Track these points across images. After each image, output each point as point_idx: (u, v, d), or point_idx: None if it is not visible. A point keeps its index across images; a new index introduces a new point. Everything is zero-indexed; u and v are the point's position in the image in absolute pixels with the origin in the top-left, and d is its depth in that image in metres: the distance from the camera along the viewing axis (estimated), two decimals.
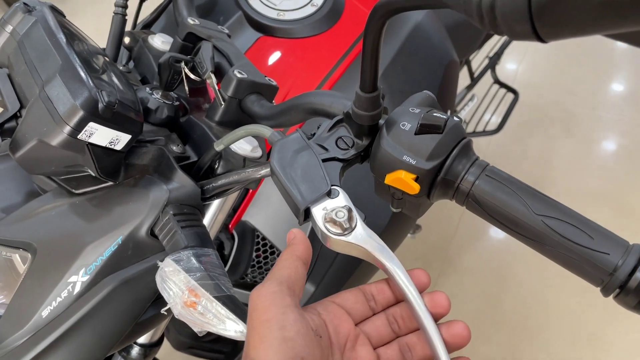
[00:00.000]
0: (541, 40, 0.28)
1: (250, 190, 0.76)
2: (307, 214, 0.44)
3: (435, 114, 0.44)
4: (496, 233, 1.89)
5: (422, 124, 0.43)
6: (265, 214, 0.77)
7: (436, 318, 0.43)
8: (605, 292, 0.40)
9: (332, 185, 0.44)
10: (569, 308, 1.67)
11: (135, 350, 0.70)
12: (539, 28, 0.27)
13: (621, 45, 2.79)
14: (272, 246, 0.80)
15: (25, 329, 0.52)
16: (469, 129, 1.72)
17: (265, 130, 0.49)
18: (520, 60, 2.70)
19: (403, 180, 0.43)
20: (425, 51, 0.87)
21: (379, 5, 0.37)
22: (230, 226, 0.77)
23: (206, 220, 0.61)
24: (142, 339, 0.70)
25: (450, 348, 0.42)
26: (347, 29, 0.82)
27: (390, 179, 0.44)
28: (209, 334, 0.87)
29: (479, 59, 1.79)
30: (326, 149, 0.46)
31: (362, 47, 0.40)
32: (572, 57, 2.73)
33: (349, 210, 0.42)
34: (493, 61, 1.73)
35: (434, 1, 0.33)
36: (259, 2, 0.81)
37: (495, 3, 0.28)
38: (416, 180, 0.43)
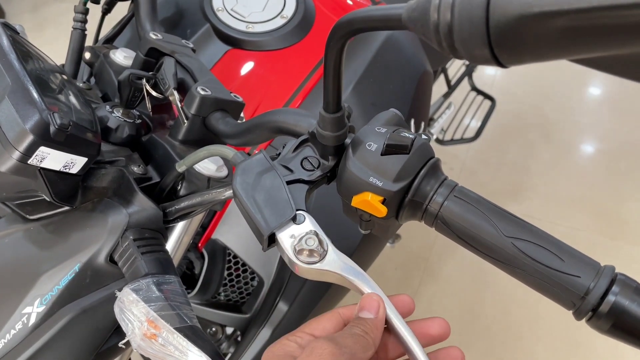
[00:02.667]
0: (501, 65, 0.27)
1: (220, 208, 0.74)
2: (271, 240, 0.42)
3: (401, 134, 0.42)
4: None
5: (388, 144, 0.41)
6: (236, 231, 0.75)
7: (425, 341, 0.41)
8: (578, 315, 0.38)
9: (297, 210, 0.42)
10: (549, 315, 1.67)
11: None
12: (498, 53, 0.26)
13: None
14: (244, 264, 0.77)
15: None
16: (447, 137, 1.72)
17: (227, 151, 0.47)
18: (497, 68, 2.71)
19: (370, 203, 0.41)
20: (398, 63, 0.86)
21: (337, 26, 0.35)
22: (199, 245, 0.75)
23: (170, 244, 0.58)
24: None
25: None
26: (318, 41, 0.80)
27: (356, 201, 0.42)
28: None
29: (455, 67, 1.79)
30: (291, 170, 0.45)
31: (324, 68, 0.38)
32: (549, 63, 2.74)
33: (317, 235, 0.41)
34: (470, 69, 1.73)
35: (393, 23, 0.31)
36: (227, 14, 0.79)
37: (453, 28, 0.26)
38: (383, 202, 0.42)
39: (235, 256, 0.77)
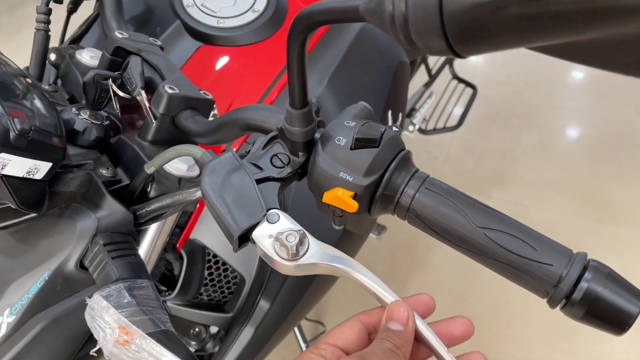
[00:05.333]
0: (458, 56, 0.26)
1: (196, 209, 0.73)
2: (242, 240, 0.41)
3: (371, 127, 0.41)
4: None
5: (357, 138, 0.41)
6: (215, 230, 0.74)
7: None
8: (552, 304, 0.38)
9: (270, 209, 0.41)
10: (538, 301, 1.68)
11: None
12: (454, 44, 0.25)
13: None
14: (224, 263, 0.77)
15: None
16: (430, 126, 1.71)
17: (195, 151, 0.46)
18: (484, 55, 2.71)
19: (341, 199, 0.41)
20: (373, 54, 0.85)
21: (297, 20, 0.34)
22: (177, 246, 0.74)
23: (144, 247, 0.57)
24: None
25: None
26: None
27: (327, 197, 0.42)
28: None
29: (436, 56, 1.79)
30: (261, 168, 0.44)
31: (287, 64, 0.37)
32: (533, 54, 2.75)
33: (298, 231, 0.40)
34: (449, 58, 1.72)
35: (352, 15, 0.31)
36: (198, 10, 0.77)
37: (408, 18, 0.26)
38: (354, 197, 0.41)
39: (215, 255, 0.76)
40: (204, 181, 0.42)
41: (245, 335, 0.75)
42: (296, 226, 0.40)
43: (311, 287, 0.78)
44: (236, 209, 0.41)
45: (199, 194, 0.49)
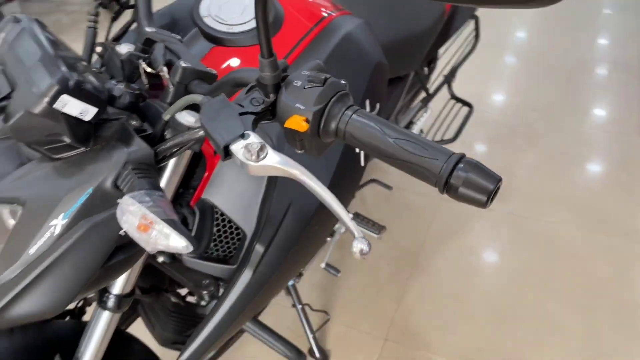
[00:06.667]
0: None
1: (207, 173, 0.90)
2: (227, 153, 0.58)
3: (318, 74, 0.59)
4: (464, 239, 2.03)
5: (309, 80, 0.58)
6: (222, 191, 0.91)
7: None
8: (439, 189, 0.54)
9: (245, 131, 0.59)
10: (531, 302, 1.79)
11: (111, 300, 0.83)
12: None
13: (579, 66, 2.99)
14: (230, 221, 0.93)
15: (17, 264, 0.65)
16: (428, 138, 1.88)
17: (198, 97, 0.64)
18: (485, 83, 2.90)
19: (296, 122, 0.58)
20: (354, 56, 1.03)
21: None
22: (191, 203, 0.91)
23: (163, 180, 0.75)
24: (115, 290, 0.83)
25: None
26: (287, 37, 0.98)
27: (288, 122, 0.59)
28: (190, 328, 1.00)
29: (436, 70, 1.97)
30: (243, 107, 0.61)
31: (256, 23, 0.56)
32: (535, 78, 2.92)
33: (260, 143, 0.57)
34: (448, 79, 1.90)
35: None
36: (211, 19, 0.97)
37: None
38: (306, 121, 0.58)
39: (222, 214, 0.93)
40: (202, 114, 0.60)
41: (244, 278, 0.91)
42: (259, 140, 0.57)
43: (303, 236, 0.93)
44: (223, 131, 0.58)
45: (201, 133, 0.66)
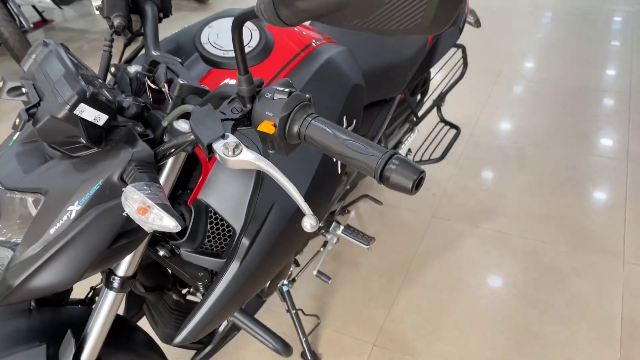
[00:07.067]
0: (286, 25, 0.57)
1: (202, 176, 1.05)
2: (210, 150, 0.72)
3: (284, 89, 0.73)
4: (452, 254, 2.14)
5: (277, 92, 0.73)
6: (215, 193, 1.05)
7: None
8: (376, 179, 0.67)
9: (225, 133, 0.73)
10: (512, 312, 1.89)
11: (116, 282, 0.97)
12: (281, 17, 0.57)
13: (569, 94, 3.12)
14: (222, 219, 1.07)
15: (38, 242, 0.80)
16: (416, 158, 2.01)
17: (189, 107, 0.79)
18: (480, 109, 3.03)
19: (266, 126, 0.72)
20: (334, 78, 1.17)
21: (234, 21, 0.67)
22: (188, 202, 1.05)
23: (163, 177, 0.89)
24: (120, 272, 0.97)
25: None
26: (277, 59, 1.13)
27: (260, 127, 0.73)
28: None
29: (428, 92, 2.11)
30: (224, 114, 0.76)
31: (233, 46, 0.70)
32: (528, 105, 3.06)
33: (235, 142, 0.71)
34: (437, 103, 2.04)
35: (251, 15, 0.63)
36: (210, 45, 1.12)
37: (261, 8, 0.58)
38: (274, 126, 0.72)
39: (215, 212, 1.06)
40: (191, 119, 0.74)
41: (233, 267, 1.04)
42: (236, 140, 0.71)
43: (284, 232, 1.06)
44: (207, 133, 0.73)
45: (191, 137, 0.81)
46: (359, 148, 0.69)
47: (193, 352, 1.51)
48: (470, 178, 2.52)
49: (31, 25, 3.61)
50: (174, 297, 1.39)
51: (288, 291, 1.76)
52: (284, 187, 0.71)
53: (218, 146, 0.72)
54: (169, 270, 1.37)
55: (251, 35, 1.15)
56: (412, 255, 2.14)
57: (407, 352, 1.78)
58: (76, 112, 0.76)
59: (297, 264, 1.74)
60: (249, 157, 0.71)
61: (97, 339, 0.99)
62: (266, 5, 0.58)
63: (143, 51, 1.11)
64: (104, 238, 0.81)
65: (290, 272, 1.67)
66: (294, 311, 1.76)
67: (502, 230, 2.23)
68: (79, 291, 1.23)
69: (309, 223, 0.69)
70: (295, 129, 0.73)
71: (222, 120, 0.75)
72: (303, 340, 1.76)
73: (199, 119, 0.75)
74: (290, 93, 0.73)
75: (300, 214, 1.08)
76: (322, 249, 1.83)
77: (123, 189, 0.77)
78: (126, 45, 1.08)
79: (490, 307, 1.92)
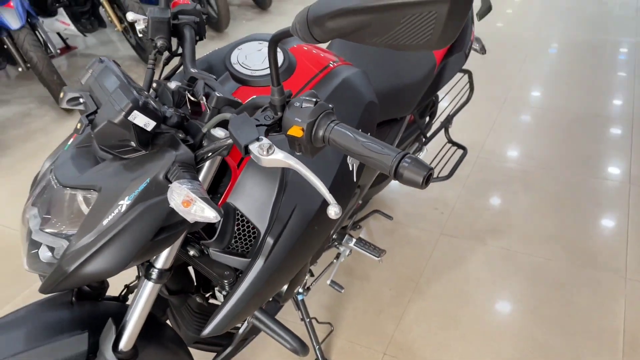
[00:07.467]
0: (317, 41, 0.69)
1: (231, 182, 1.16)
2: (246, 150, 0.83)
3: (312, 98, 0.84)
4: (460, 269, 2.23)
5: (305, 102, 0.84)
6: (242, 197, 1.15)
7: None
8: (391, 176, 0.78)
9: (259, 136, 0.84)
10: (518, 325, 1.97)
11: (154, 273, 1.07)
12: (313, 34, 0.68)
13: (573, 120, 3.23)
14: (248, 221, 1.18)
15: (92, 232, 0.90)
16: None
17: (227, 115, 0.90)
18: (487, 132, 3.14)
19: (295, 130, 0.83)
20: (350, 96, 1.29)
21: (271, 40, 0.79)
22: (218, 205, 1.16)
23: (201, 177, 1.01)
24: (158, 265, 1.07)
25: None
26: (298, 79, 1.25)
27: (290, 131, 0.84)
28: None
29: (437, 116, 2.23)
30: (258, 120, 0.87)
31: (269, 60, 0.82)
32: (534, 130, 3.17)
33: (269, 144, 0.82)
34: (444, 124, 2.16)
35: (287, 35, 0.75)
36: (240, 65, 1.25)
37: (296, 28, 0.69)
38: (302, 130, 0.83)
39: (242, 215, 1.17)
40: (230, 124, 0.86)
41: (258, 264, 1.14)
42: (268, 142, 0.83)
43: (305, 233, 1.16)
44: (244, 136, 0.84)
45: (229, 142, 0.92)
46: (376, 149, 0.79)
47: (213, 354, 1.60)
48: (477, 198, 2.62)
49: (58, 51, 3.79)
50: (198, 299, 1.48)
51: (302, 300, 1.85)
52: (310, 180, 0.82)
53: (254, 147, 0.83)
54: (193, 275, 1.47)
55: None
56: (421, 269, 2.23)
57: None
58: (130, 118, 0.87)
59: (311, 274, 1.83)
60: (280, 156, 0.82)
61: (135, 327, 1.09)
62: (301, 25, 0.69)
63: (180, 69, 1.23)
64: (149, 230, 0.92)
65: (305, 282, 1.76)
66: (307, 320, 1.85)
67: (508, 248, 2.32)
68: (114, 290, 1.33)
69: (333, 211, 0.80)
70: (321, 133, 0.84)
71: (257, 125, 0.86)
72: (316, 347, 1.84)
73: (237, 125, 0.86)
74: (316, 102, 0.84)
75: (320, 218, 1.18)
76: (335, 260, 1.93)
77: (169, 185, 0.88)
78: (165, 64, 1.21)
79: (497, 319, 1.99)
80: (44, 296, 1.50)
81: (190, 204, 0.85)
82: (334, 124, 0.83)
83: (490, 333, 1.95)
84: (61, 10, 4.12)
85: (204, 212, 0.85)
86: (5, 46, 3.42)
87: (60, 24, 4.15)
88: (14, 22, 3.21)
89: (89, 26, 4.29)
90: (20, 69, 3.47)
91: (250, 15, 5.37)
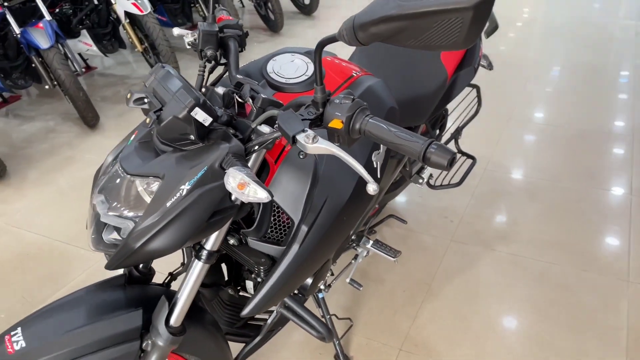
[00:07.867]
0: (362, 44, 0.83)
1: (269, 176, 1.29)
2: (294, 140, 0.97)
3: (349, 95, 0.98)
4: (470, 273, 2.35)
5: (343, 99, 0.98)
6: (278, 190, 1.29)
7: None
8: (419, 160, 0.91)
9: (304, 128, 0.98)
10: (526, 324, 2.08)
11: (204, 254, 1.20)
12: (358, 38, 0.83)
13: (577, 136, 3.37)
14: (283, 212, 1.31)
15: (157, 213, 1.04)
16: (437, 183, 2.26)
17: (275, 112, 1.04)
18: (495, 147, 3.29)
19: (336, 123, 0.97)
20: (373, 102, 1.44)
21: (318, 44, 0.93)
22: None
23: (250, 165, 1.15)
24: (208, 246, 1.20)
25: None
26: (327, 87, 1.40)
27: (330, 124, 0.98)
28: (240, 320, 1.39)
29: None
30: (302, 115, 1.01)
31: (314, 62, 0.96)
32: (542, 145, 3.31)
33: (314, 134, 0.96)
34: (454, 136, 2.30)
35: (334, 39, 0.89)
36: (275, 74, 1.40)
37: (342, 32, 0.84)
38: (342, 123, 0.97)
39: (278, 206, 1.30)
40: (279, 119, 1.00)
41: (293, 249, 1.27)
42: (313, 133, 0.96)
43: (335, 222, 1.29)
44: (291, 128, 0.98)
45: (275, 135, 1.06)
46: (406, 137, 0.93)
47: (242, 345, 1.72)
48: (485, 207, 2.75)
49: (83, 70, 3.98)
50: (229, 291, 1.61)
51: (323, 298, 1.97)
52: (349, 163, 0.96)
53: (301, 137, 0.97)
54: (224, 270, 1.60)
55: (307, 67, 1.42)
56: (433, 273, 2.35)
57: (430, 355, 1.97)
58: (192, 113, 1.02)
59: (332, 273, 1.96)
60: (323, 144, 0.96)
61: (185, 303, 1.22)
62: (348, 31, 0.84)
63: (225, 75, 1.38)
64: (205, 212, 1.05)
65: (325, 280, 1.89)
66: (328, 316, 1.96)
67: (516, 253, 2.44)
68: (159, 277, 1.46)
69: (372, 187, 0.93)
70: (358, 125, 0.97)
71: (302, 119, 1.00)
72: (336, 343, 1.96)
73: (285, 119, 1.00)
74: (353, 99, 0.98)
75: (348, 209, 1.31)
76: (353, 261, 2.06)
77: (226, 171, 1.01)
78: (210, 72, 1.36)
79: (506, 319, 2.11)
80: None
81: (244, 186, 0.99)
82: (368, 118, 0.97)
83: (501, 331, 2.06)
84: (84, 31, 4.33)
85: (257, 194, 0.98)
86: (34, 65, 3.61)
87: (83, 44, 4.35)
88: (44, 42, 3.40)
89: (110, 47, 4.49)
90: (47, 87, 3.65)
91: (262, 37, 5.57)
